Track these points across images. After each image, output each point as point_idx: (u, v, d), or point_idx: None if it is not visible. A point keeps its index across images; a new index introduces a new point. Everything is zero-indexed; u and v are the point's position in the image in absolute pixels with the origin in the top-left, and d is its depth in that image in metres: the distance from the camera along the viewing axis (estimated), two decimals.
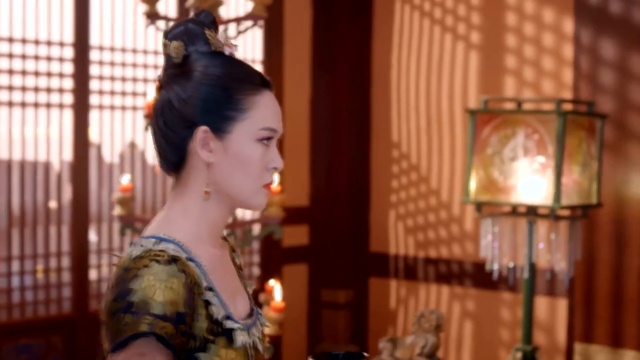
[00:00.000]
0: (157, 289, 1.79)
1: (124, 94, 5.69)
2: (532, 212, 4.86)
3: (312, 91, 6.42)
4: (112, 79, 5.64)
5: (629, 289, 5.36)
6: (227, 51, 1.97)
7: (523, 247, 4.89)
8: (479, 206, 4.93)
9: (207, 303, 1.88)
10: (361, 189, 6.50)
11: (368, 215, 6.48)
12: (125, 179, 4.61)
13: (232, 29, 4.76)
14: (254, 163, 1.94)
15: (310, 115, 6.46)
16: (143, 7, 4.67)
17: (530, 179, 4.78)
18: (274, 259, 6.25)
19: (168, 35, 1.97)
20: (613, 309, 5.39)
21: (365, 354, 1.89)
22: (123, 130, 5.72)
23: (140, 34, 5.72)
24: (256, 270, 6.30)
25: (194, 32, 1.95)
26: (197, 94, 1.92)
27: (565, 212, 5.09)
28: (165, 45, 1.97)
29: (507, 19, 5.87)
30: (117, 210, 4.59)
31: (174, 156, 1.95)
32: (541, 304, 5.69)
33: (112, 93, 5.64)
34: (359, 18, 6.48)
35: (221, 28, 4.69)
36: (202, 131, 1.92)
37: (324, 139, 6.49)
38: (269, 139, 1.96)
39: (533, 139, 4.78)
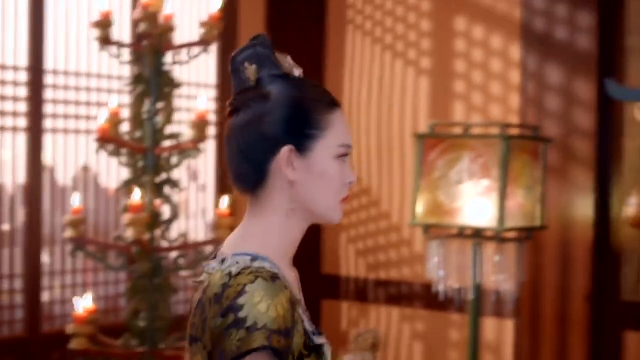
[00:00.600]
0: (269, 304, 1.83)
1: (77, 117, 5.74)
2: (477, 234, 4.96)
3: None
4: (66, 102, 5.69)
5: (574, 310, 5.47)
6: (296, 73, 2.06)
7: (470, 269, 4.99)
8: (426, 228, 5.02)
9: (301, 320, 1.95)
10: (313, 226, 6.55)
11: (320, 238, 6.55)
12: (75, 199, 4.66)
13: (183, 54, 4.84)
14: (334, 179, 2.03)
15: None
16: (97, 32, 4.74)
17: (476, 202, 4.88)
18: None
19: (238, 58, 2.04)
20: (559, 330, 5.50)
21: None
22: (77, 154, 5.76)
23: (95, 58, 5.78)
24: None
25: (264, 55, 2.03)
26: (279, 115, 1.99)
27: (512, 234, 5.20)
28: (237, 69, 2.04)
29: (457, 45, 5.99)
30: (68, 232, 4.64)
31: (255, 175, 2.01)
32: (489, 325, 5.79)
33: (66, 117, 5.69)
34: (311, 43, 6.57)
35: (173, 53, 4.79)
36: (287, 150, 1.99)
37: None
38: (345, 155, 2.06)
39: (478, 163, 4.88)
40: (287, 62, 2.05)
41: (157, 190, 4.76)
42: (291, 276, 2.04)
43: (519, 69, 5.72)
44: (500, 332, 5.80)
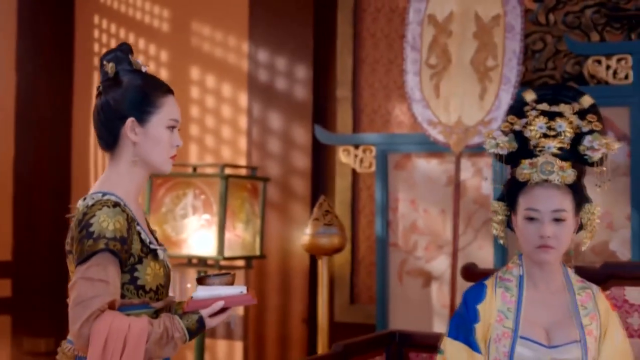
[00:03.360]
0: (109, 222, 2.74)
1: None
2: (202, 262, 5.52)
3: (15, 150, 6.70)
4: None
5: (293, 331, 6.08)
6: (143, 69, 2.95)
7: None
8: None
9: (139, 232, 2.84)
10: (62, 244, 6.85)
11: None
12: None
13: None
14: (164, 142, 2.91)
15: (14, 171, 6.76)
16: None
17: (199, 234, 5.46)
18: None
19: (104, 58, 2.95)
20: (281, 350, 6.10)
21: (232, 272, 2.95)
22: None
23: None
24: None
25: (121, 56, 2.94)
26: (126, 97, 2.89)
27: (238, 262, 5.78)
28: (102, 65, 2.94)
29: (192, 92, 6.55)
30: None
31: (111, 139, 2.92)
32: (221, 346, 6.33)
33: None
34: (59, 78, 6.95)
35: None
36: (130, 121, 2.89)
37: (26, 195, 6.82)
38: (174, 127, 2.93)
39: (200, 199, 5.47)
40: (138, 62, 2.95)
41: None
42: (138, 210, 2.92)
43: (246, 114, 6.33)
44: (230, 353, 6.34)
